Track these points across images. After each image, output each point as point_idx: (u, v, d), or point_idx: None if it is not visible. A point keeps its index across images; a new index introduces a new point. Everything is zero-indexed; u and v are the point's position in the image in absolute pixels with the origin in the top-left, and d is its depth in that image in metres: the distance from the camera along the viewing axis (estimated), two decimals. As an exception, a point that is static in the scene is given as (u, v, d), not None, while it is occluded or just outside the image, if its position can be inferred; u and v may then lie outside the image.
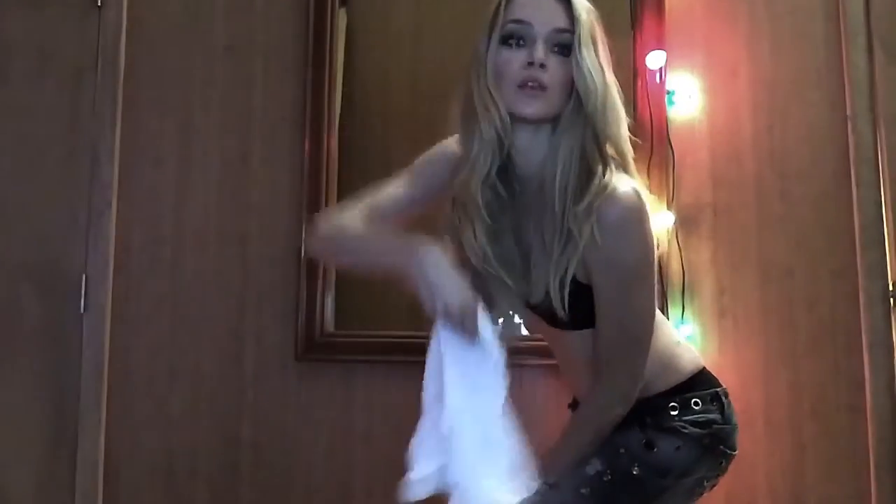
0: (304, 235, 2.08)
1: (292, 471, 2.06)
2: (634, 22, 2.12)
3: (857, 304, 2.06)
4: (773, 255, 2.10)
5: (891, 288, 2.05)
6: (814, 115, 2.14)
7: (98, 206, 2.13)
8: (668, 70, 2.09)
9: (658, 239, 1.26)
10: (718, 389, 1.30)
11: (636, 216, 1.14)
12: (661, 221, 2.06)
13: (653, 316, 1.23)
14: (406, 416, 2.04)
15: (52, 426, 2.08)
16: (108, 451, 2.08)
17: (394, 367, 2.07)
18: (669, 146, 2.09)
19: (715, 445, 1.26)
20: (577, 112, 1.14)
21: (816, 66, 2.16)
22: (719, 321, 2.07)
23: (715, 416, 1.26)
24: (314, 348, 2.06)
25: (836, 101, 2.14)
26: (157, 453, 2.08)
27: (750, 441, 2.04)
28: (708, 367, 1.35)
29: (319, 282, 2.08)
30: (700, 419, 1.25)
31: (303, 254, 2.08)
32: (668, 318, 2.03)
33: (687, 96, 2.12)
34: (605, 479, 1.22)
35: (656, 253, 1.20)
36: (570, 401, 1.43)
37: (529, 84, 1.12)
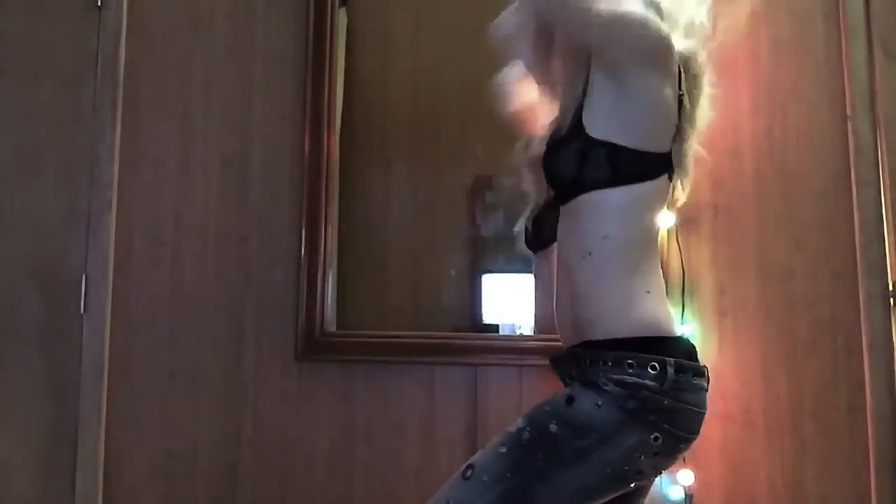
0: (303, 235, 2.09)
1: (292, 471, 2.06)
2: (634, 22, 2.11)
3: (857, 304, 2.06)
4: (773, 255, 2.10)
5: (891, 288, 2.05)
6: (814, 115, 2.15)
7: (98, 206, 2.13)
8: (668, 70, 2.09)
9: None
10: (669, 359, 1.18)
11: (638, 19, 1.19)
12: (661, 221, 2.06)
13: None
14: (406, 416, 2.06)
15: (52, 426, 2.08)
16: (108, 451, 2.08)
17: (394, 367, 2.07)
18: (669, 146, 2.08)
19: (642, 414, 1.16)
20: None
21: (816, 66, 2.16)
22: (719, 321, 2.07)
23: (647, 382, 1.16)
24: (314, 348, 2.06)
25: (836, 101, 2.14)
26: (157, 453, 2.08)
27: (750, 441, 2.04)
28: (708, 367, 1.29)
29: (319, 282, 2.08)
30: (627, 380, 1.16)
31: (302, 253, 2.08)
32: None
33: (687, 96, 2.12)
34: (523, 436, 1.18)
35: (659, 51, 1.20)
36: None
37: None
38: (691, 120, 1.32)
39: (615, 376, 1.17)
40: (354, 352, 2.08)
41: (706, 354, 2.04)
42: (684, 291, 2.05)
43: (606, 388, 1.17)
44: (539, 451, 1.17)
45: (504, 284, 2.17)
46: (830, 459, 2.03)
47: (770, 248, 2.10)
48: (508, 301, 2.14)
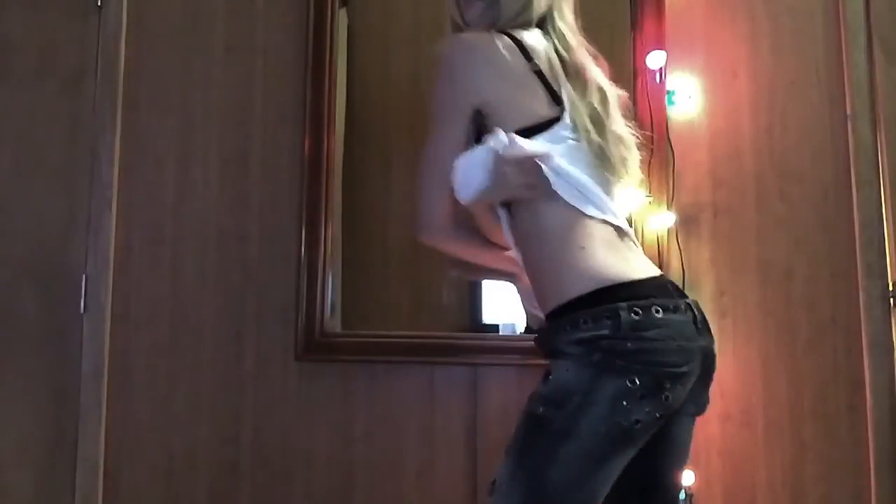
0: (303, 235, 2.09)
1: (292, 471, 2.06)
2: (634, 22, 2.12)
3: (857, 304, 2.06)
4: (773, 255, 2.10)
5: (891, 288, 2.05)
6: (814, 115, 2.15)
7: (98, 206, 2.13)
8: (668, 70, 2.10)
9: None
10: (620, 304, 1.18)
11: (452, 44, 1.34)
12: (661, 221, 2.06)
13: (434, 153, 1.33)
14: (406, 416, 2.06)
15: (52, 426, 2.08)
16: (108, 451, 2.08)
17: (394, 368, 2.07)
18: (669, 146, 2.09)
19: (609, 362, 1.16)
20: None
21: (816, 66, 2.16)
22: (719, 321, 2.07)
23: (603, 332, 1.17)
24: (314, 348, 2.06)
25: (836, 101, 2.14)
26: (157, 453, 2.08)
27: (750, 441, 2.04)
28: (693, 299, 1.29)
29: (319, 282, 2.08)
30: (585, 337, 1.18)
31: (302, 253, 2.08)
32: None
33: (687, 96, 2.12)
34: (519, 431, 1.20)
35: (457, 91, 1.31)
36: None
37: None
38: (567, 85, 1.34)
39: (574, 337, 1.19)
40: (354, 352, 2.08)
41: (706, 354, 2.04)
42: (684, 292, 2.05)
43: (570, 351, 1.19)
44: (534, 437, 1.19)
45: (504, 284, 2.17)
46: (830, 459, 2.03)
47: (770, 248, 2.10)
48: (508, 301, 2.14)
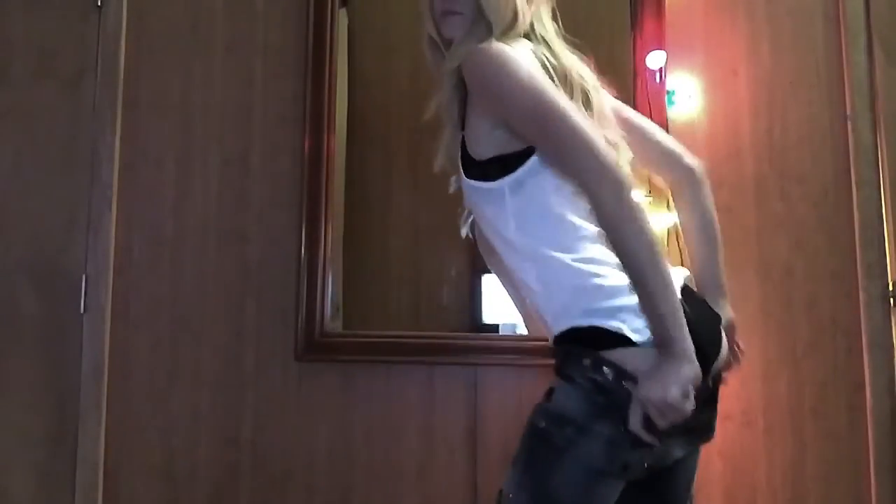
0: (303, 235, 2.09)
1: (292, 471, 2.06)
2: (634, 22, 2.12)
3: (857, 304, 2.06)
4: (773, 255, 2.10)
5: (891, 288, 2.05)
6: (814, 115, 2.15)
7: (98, 206, 2.13)
8: (668, 70, 2.10)
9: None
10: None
11: (486, 53, 1.23)
12: (661, 221, 2.06)
13: (567, 117, 1.19)
14: (406, 416, 2.06)
15: (52, 426, 2.08)
16: (108, 451, 2.08)
17: (394, 368, 2.07)
18: (669, 146, 2.08)
19: (612, 406, 1.16)
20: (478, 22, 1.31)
21: (816, 66, 2.17)
22: (719, 321, 2.07)
23: (609, 377, 1.17)
24: (314, 348, 2.06)
25: (836, 101, 2.15)
26: (157, 453, 2.08)
27: (750, 441, 2.04)
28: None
29: (319, 282, 2.08)
30: (593, 376, 1.18)
31: (302, 253, 2.08)
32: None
33: (687, 96, 2.12)
34: (524, 443, 1.21)
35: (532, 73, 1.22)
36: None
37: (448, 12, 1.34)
38: None
39: (583, 371, 1.19)
40: (354, 352, 2.08)
41: (706, 354, 2.04)
42: (684, 291, 2.05)
43: (577, 379, 1.19)
44: (537, 448, 1.20)
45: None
46: (830, 459, 2.03)
47: (770, 248, 2.10)
48: (508, 301, 2.14)
